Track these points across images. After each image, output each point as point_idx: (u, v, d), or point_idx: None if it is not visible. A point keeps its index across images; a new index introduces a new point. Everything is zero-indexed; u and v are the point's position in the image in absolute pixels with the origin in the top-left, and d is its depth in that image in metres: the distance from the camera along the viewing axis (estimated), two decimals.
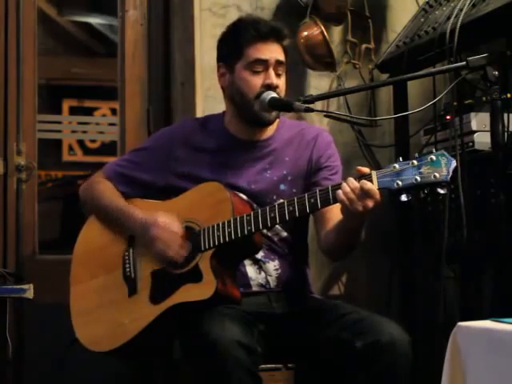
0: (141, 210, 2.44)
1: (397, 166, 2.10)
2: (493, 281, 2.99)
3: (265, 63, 2.42)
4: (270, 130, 2.53)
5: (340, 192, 2.13)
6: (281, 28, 2.47)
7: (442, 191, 2.08)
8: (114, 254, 2.49)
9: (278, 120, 2.55)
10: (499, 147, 2.29)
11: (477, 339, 1.79)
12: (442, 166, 2.05)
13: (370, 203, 2.11)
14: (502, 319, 1.82)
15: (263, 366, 2.25)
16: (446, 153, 2.07)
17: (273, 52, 2.42)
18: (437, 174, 2.05)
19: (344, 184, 2.14)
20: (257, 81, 2.42)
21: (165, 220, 2.36)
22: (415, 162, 2.08)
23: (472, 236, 2.77)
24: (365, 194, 2.10)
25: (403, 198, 2.10)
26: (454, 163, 2.06)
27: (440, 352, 1.91)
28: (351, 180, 2.14)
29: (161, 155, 2.53)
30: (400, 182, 2.09)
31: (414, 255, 3.19)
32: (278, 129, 2.55)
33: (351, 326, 2.24)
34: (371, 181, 2.12)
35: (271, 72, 2.42)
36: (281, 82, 2.44)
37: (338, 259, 2.61)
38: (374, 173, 2.13)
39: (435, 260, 2.81)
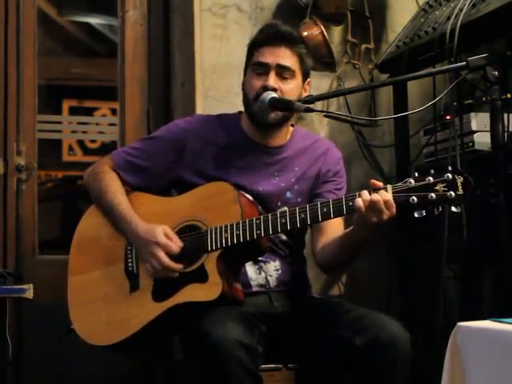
0: (140, 220, 2.42)
1: (412, 181, 2.11)
2: (493, 281, 2.99)
3: (266, 66, 2.44)
4: (284, 138, 2.55)
5: (359, 199, 2.13)
6: (289, 32, 2.47)
7: (455, 210, 2.09)
8: (116, 246, 2.47)
9: (292, 129, 2.59)
10: (499, 147, 2.29)
11: (477, 339, 1.79)
12: (458, 185, 2.07)
13: (385, 215, 2.12)
14: (501, 319, 1.82)
15: (263, 366, 2.25)
16: (462, 172, 2.09)
17: (276, 56, 2.44)
18: (452, 193, 2.07)
19: (364, 191, 2.14)
20: (257, 82, 2.45)
21: (165, 240, 2.33)
22: (431, 178, 2.09)
23: (472, 236, 2.77)
24: (383, 204, 2.11)
25: (416, 214, 2.11)
26: (471, 182, 2.07)
27: (440, 352, 1.91)
28: (366, 192, 2.14)
29: (173, 147, 2.52)
30: (415, 199, 2.09)
31: (414, 255, 3.20)
32: (292, 138, 2.57)
33: (351, 323, 2.25)
34: None
35: (271, 75, 2.44)
36: (285, 87, 2.44)
37: (332, 272, 2.62)
38: (389, 187, 2.14)
39: (435, 260, 2.81)
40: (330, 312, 2.36)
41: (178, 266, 2.33)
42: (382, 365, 2.16)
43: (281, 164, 2.52)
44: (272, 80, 2.43)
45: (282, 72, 2.45)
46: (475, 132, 2.92)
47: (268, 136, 2.52)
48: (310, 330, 2.35)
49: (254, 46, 2.50)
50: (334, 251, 2.37)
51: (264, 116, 2.44)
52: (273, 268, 2.47)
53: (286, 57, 2.45)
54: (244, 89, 2.51)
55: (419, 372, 2.66)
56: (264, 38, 2.48)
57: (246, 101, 2.49)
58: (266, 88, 2.42)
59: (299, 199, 2.50)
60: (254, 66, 2.47)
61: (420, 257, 3.18)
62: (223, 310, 2.23)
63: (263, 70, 2.45)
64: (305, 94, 2.53)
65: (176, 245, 2.34)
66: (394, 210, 2.12)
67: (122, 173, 2.54)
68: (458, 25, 2.76)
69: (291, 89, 2.46)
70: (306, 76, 2.52)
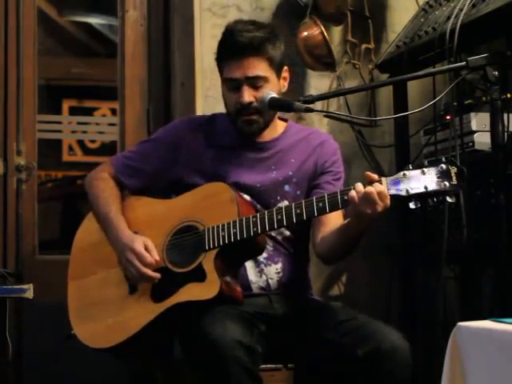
0: (127, 229, 2.43)
1: (407, 173, 2.11)
2: (493, 281, 2.99)
3: (236, 81, 2.41)
4: (277, 132, 2.55)
5: (353, 191, 2.14)
6: (249, 40, 2.39)
7: (450, 200, 2.10)
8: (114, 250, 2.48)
9: (285, 124, 2.58)
10: (499, 147, 2.29)
11: (477, 339, 1.79)
12: (452, 175, 2.08)
13: (379, 207, 2.12)
14: (501, 319, 1.82)
15: (263, 366, 2.25)
16: (457, 162, 2.11)
17: (244, 69, 2.39)
18: (446, 183, 2.08)
19: (359, 183, 2.14)
20: (232, 98, 2.44)
21: (141, 249, 2.35)
22: (425, 170, 2.10)
23: (472, 236, 2.77)
24: (377, 194, 2.11)
25: (412, 205, 2.11)
26: (465, 172, 2.08)
27: (440, 352, 1.91)
28: (361, 184, 2.15)
29: (168, 147, 2.52)
30: (410, 190, 2.10)
31: (414, 255, 3.20)
32: (285, 131, 2.56)
33: (352, 332, 2.25)
34: None
35: (243, 90, 2.40)
36: (261, 94, 2.41)
37: (332, 263, 2.62)
38: (384, 179, 2.14)
39: (435, 260, 2.81)
40: (330, 317, 2.36)
41: (155, 275, 2.34)
42: (382, 376, 2.17)
43: (276, 157, 2.51)
44: (246, 95, 2.40)
45: (254, 82, 2.40)
46: (475, 132, 2.92)
47: (259, 133, 2.51)
48: (310, 333, 2.35)
49: (221, 60, 2.46)
50: (332, 243, 2.37)
51: (248, 129, 2.44)
52: (274, 271, 2.46)
53: (253, 67, 2.40)
54: (224, 100, 2.49)
55: (419, 372, 2.66)
56: (227, 53, 2.43)
57: (229, 114, 2.48)
58: (241, 104, 2.41)
59: (298, 192, 2.49)
60: (226, 82, 2.44)
61: (420, 257, 3.18)
62: (222, 310, 2.23)
63: (235, 85, 2.42)
64: (285, 84, 2.51)
65: (152, 257, 2.35)
66: (387, 201, 2.12)
67: (121, 177, 2.55)
68: (458, 25, 2.76)
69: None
70: (279, 69, 2.46)
